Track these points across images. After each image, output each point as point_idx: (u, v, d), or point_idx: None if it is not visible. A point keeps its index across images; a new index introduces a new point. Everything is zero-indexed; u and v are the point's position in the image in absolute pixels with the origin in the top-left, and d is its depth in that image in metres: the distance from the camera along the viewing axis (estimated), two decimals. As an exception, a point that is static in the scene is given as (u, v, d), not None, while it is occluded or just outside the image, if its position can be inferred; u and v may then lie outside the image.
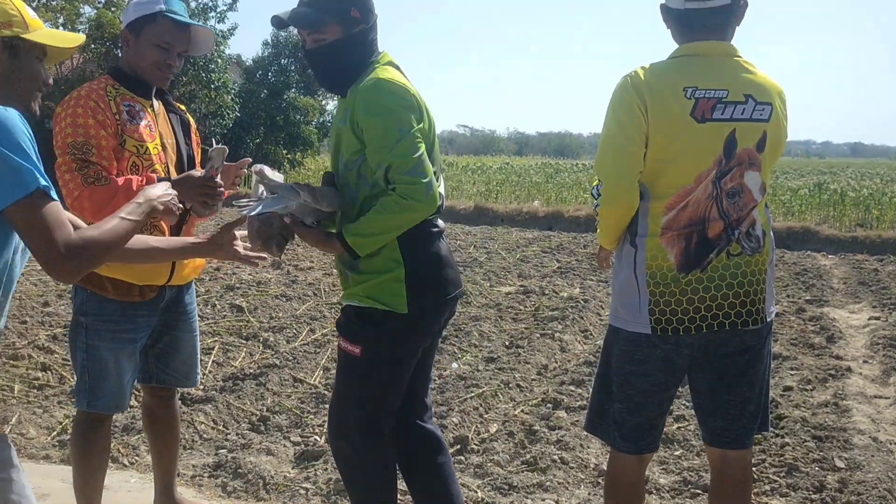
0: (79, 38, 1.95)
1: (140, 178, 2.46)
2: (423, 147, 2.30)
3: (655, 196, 2.27)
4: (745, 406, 2.41)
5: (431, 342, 2.61)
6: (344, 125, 2.39)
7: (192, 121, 2.88)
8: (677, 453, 3.95)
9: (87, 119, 2.48)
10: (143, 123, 2.59)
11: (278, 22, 2.45)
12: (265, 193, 2.37)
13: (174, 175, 2.64)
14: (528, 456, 3.83)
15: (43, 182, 1.61)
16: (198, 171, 2.59)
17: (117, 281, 2.58)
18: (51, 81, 1.90)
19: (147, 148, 2.58)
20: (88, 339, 2.62)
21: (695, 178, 2.23)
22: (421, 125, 2.33)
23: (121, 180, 2.44)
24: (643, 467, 2.51)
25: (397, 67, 2.47)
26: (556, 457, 3.79)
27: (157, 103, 2.72)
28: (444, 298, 2.47)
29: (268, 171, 2.39)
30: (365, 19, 2.43)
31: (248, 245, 2.45)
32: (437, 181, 2.36)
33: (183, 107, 2.88)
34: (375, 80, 2.34)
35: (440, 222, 2.51)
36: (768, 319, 2.37)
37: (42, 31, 1.84)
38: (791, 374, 5.29)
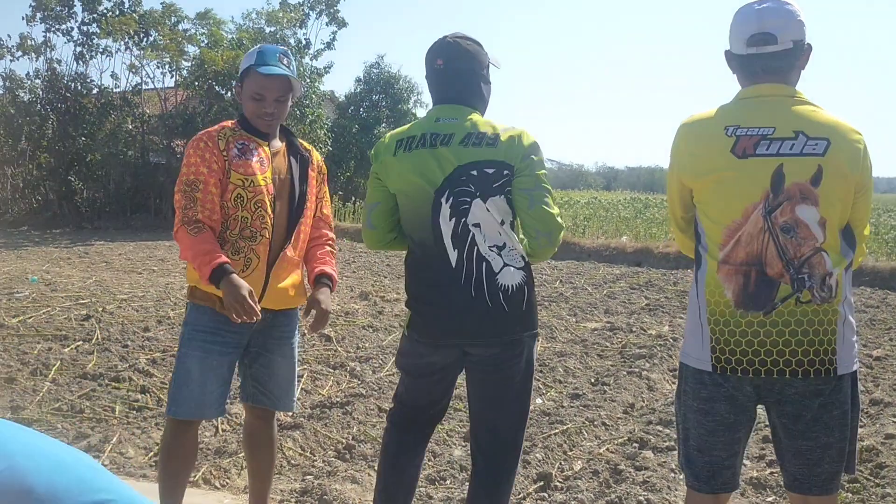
0: None
1: (217, 256, 2.70)
2: (369, 193, 2.79)
3: (709, 232, 2.30)
4: (825, 451, 2.31)
5: (477, 377, 2.74)
6: None
7: (315, 157, 3.06)
8: (769, 499, 3.81)
9: (196, 158, 2.81)
10: (254, 159, 2.84)
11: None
12: None
13: (275, 207, 2.87)
14: (612, 496, 3.76)
15: None
16: (244, 288, 2.66)
17: (211, 294, 2.79)
18: None
19: (253, 181, 2.81)
20: (181, 348, 2.88)
21: (742, 212, 2.24)
22: (372, 176, 2.79)
23: (204, 240, 2.73)
24: None
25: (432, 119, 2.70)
26: (641, 498, 3.71)
27: (279, 143, 2.95)
28: (425, 339, 2.72)
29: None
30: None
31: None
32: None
33: (308, 146, 3.07)
34: None
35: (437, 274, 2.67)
36: (840, 373, 2.26)
37: None
38: (893, 422, 5.03)
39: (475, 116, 2.66)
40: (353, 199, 21.37)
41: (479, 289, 2.59)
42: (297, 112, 20.40)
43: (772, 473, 4.05)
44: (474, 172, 2.58)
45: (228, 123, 2.93)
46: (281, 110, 2.87)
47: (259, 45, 2.97)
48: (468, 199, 2.58)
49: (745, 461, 2.57)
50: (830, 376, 2.25)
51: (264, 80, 2.80)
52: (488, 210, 2.59)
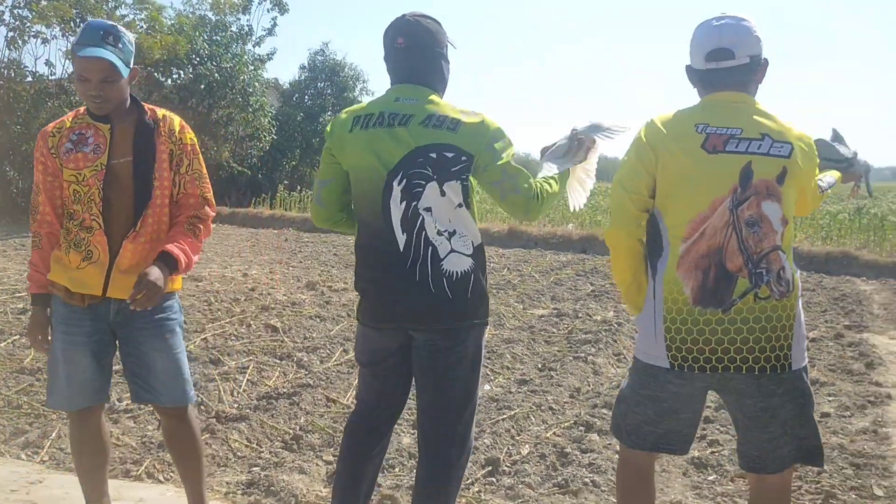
0: None
1: (36, 280, 2.85)
2: (322, 169, 2.77)
3: (672, 226, 2.33)
4: (781, 440, 2.38)
5: (423, 365, 2.71)
6: None
7: (173, 129, 2.83)
8: (711, 478, 3.90)
9: (36, 162, 2.82)
10: (88, 149, 2.75)
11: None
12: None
13: (109, 197, 2.77)
14: (559, 478, 3.82)
15: None
16: (33, 326, 2.87)
17: (60, 285, 2.79)
18: None
19: (83, 175, 2.74)
20: (52, 340, 2.85)
21: (709, 205, 2.28)
22: (324, 152, 2.75)
23: (37, 257, 2.84)
24: (652, 462, 2.57)
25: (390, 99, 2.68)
26: (587, 479, 3.77)
27: (127, 122, 2.79)
28: (370, 323, 2.73)
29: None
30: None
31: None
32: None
33: (168, 115, 2.87)
34: None
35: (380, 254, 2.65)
36: (794, 367, 2.34)
37: None
38: (829, 401, 5.20)
39: (436, 98, 2.64)
40: (299, 188, 21.16)
41: (423, 273, 2.56)
42: (241, 100, 20.08)
43: (712, 453, 4.16)
44: (433, 155, 2.55)
45: (81, 110, 2.83)
46: (109, 91, 2.69)
47: (87, 21, 2.82)
48: (422, 182, 2.55)
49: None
50: (786, 371, 2.32)
51: (82, 62, 2.66)
52: (444, 194, 2.56)
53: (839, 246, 13.70)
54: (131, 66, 2.77)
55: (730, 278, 2.27)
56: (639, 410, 2.46)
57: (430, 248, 2.57)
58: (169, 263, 2.72)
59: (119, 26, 2.73)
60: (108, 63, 2.65)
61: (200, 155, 2.92)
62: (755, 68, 2.36)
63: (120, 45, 2.69)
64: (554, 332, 7.15)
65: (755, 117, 2.32)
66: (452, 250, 2.59)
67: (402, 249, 2.58)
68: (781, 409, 2.35)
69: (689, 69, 2.44)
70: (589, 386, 5.52)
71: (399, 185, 2.55)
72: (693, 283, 2.28)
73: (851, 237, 14.65)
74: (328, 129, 2.74)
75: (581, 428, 4.56)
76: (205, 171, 2.92)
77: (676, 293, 2.31)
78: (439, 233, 2.57)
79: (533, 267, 11.74)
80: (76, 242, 2.75)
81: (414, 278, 2.57)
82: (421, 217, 2.56)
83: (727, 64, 2.32)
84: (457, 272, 2.59)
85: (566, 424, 4.64)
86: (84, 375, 2.82)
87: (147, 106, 2.85)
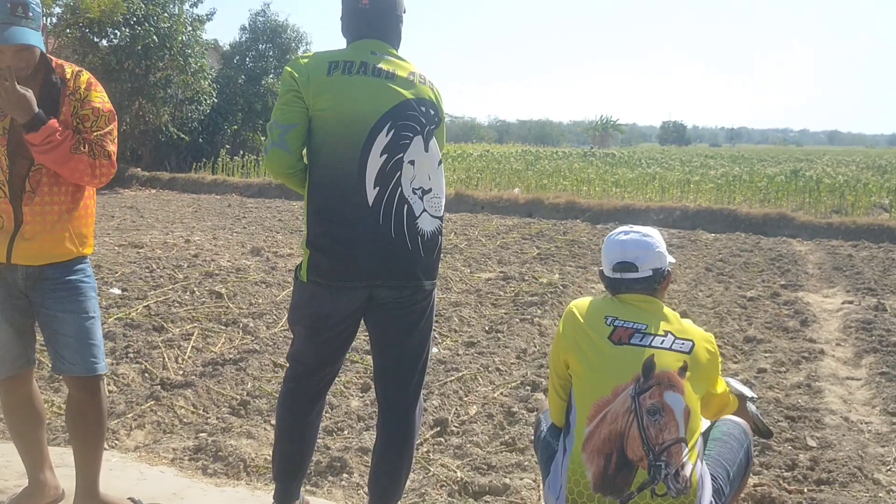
0: None
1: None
2: (284, 114, 2.56)
3: (579, 405, 2.39)
4: None
5: (379, 328, 2.71)
6: None
7: (78, 81, 2.70)
8: None
9: None
10: None
11: None
12: None
13: (13, 160, 2.63)
14: (506, 437, 3.88)
15: None
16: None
17: None
18: None
19: None
20: None
21: (612, 390, 2.34)
22: (289, 95, 2.57)
23: None
24: None
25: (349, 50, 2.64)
26: (534, 437, 3.84)
27: (33, 81, 2.62)
28: (331, 282, 2.60)
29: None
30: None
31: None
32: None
33: (72, 68, 2.72)
34: None
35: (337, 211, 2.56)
36: None
37: None
38: (765, 357, 5.38)
39: (403, 57, 2.66)
40: (242, 152, 20.79)
41: (400, 230, 2.54)
42: (180, 62, 19.52)
43: None
44: (423, 108, 2.57)
45: None
46: (23, 57, 2.53)
47: None
48: (410, 135, 2.53)
49: None
50: None
51: None
52: (427, 149, 2.57)
53: (776, 208, 14.08)
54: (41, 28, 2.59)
55: (630, 467, 2.29)
56: None
57: (406, 205, 2.55)
58: (42, 118, 2.53)
59: None
60: (26, 45, 2.50)
61: (110, 114, 2.75)
62: (659, 279, 2.52)
63: (31, 14, 2.51)
64: (501, 295, 7.21)
65: (660, 317, 2.46)
66: (425, 210, 2.59)
67: (370, 204, 2.51)
68: None
69: (601, 273, 2.62)
70: (535, 347, 5.60)
71: (388, 134, 2.51)
72: (595, 468, 2.32)
73: (788, 199, 15.08)
74: (291, 72, 2.58)
75: (527, 387, 4.63)
76: (113, 130, 2.75)
77: (580, 475, 2.34)
78: (414, 191, 2.56)
79: (479, 231, 11.80)
80: None
81: (389, 234, 2.53)
82: (400, 172, 2.52)
83: (631, 276, 2.51)
84: (428, 231, 2.61)
85: (513, 384, 4.70)
86: (0, 344, 2.75)
87: (56, 62, 2.69)
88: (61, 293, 2.74)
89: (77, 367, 2.75)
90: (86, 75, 2.73)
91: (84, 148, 2.63)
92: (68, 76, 2.68)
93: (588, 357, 2.41)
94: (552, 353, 2.58)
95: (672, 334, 2.40)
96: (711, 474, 2.41)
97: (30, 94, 2.50)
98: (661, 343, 2.38)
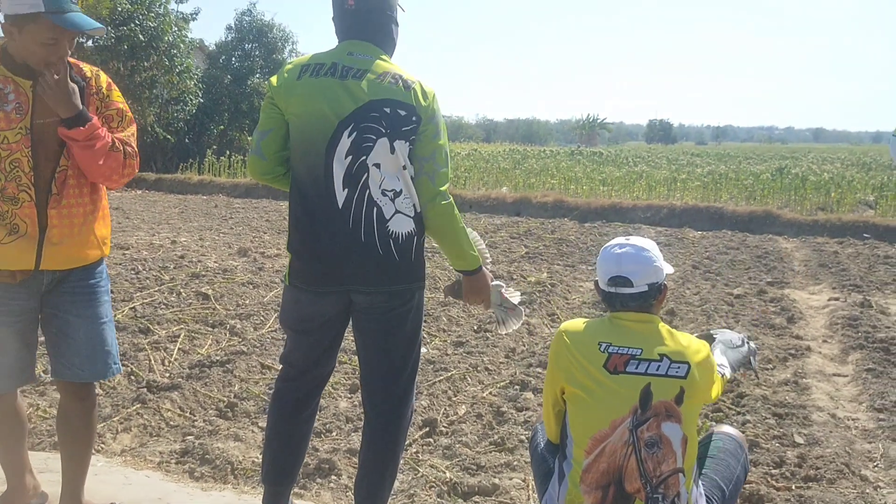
0: None
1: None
2: (262, 120, 2.64)
3: (576, 436, 2.37)
4: None
5: (363, 329, 2.69)
6: None
7: (99, 81, 2.66)
8: None
9: None
10: (9, 108, 2.48)
11: None
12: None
13: (37, 162, 2.53)
14: (495, 437, 3.88)
15: None
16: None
17: None
18: None
19: (6, 136, 2.47)
20: None
21: (610, 424, 2.31)
22: (266, 101, 2.65)
23: None
24: None
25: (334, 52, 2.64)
26: (523, 436, 3.84)
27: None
28: (308, 286, 2.63)
29: (505, 291, 2.98)
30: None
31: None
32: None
33: (90, 68, 2.67)
34: None
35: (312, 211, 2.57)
36: None
37: None
38: (753, 354, 5.39)
39: (387, 58, 2.62)
40: (228, 153, 20.70)
41: (370, 234, 2.52)
42: (166, 62, 19.42)
43: None
44: (387, 110, 2.51)
45: None
46: (72, 46, 2.52)
47: None
48: (374, 137, 2.50)
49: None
50: None
51: (62, 29, 2.42)
52: (393, 151, 2.52)
53: (762, 205, 14.15)
54: None
55: (627, 499, 2.29)
56: None
57: (375, 208, 2.52)
58: (86, 113, 2.52)
59: None
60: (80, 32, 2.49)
61: (131, 117, 2.74)
62: (655, 294, 2.46)
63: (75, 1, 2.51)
64: (489, 294, 7.19)
65: (655, 339, 2.40)
66: (397, 211, 2.56)
67: (340, 207, 2.51)
68: None
69: (596, 286, 2.56)
70: (524, 346, 5.59)
71: (350, 136, 2.49)
72: (593, 499, 2.32)
73: (774, 197, 15.15)
74: (272, 80, 2.62)
75: (516, 387, 4.62)
76: (135, 132, 2.75)
77: None
78: (384, 192, 2.53)
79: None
80: None
81: (359, 238, 2.52)
82: (367, 174, 2.51)
83: (626, 291, 2.43)
84: (402, 233, 2.57)
85: (502, 384, 4.70)
86: (8, 358, 2.65)
87: (72, 60, 2.60)
88: (79, 297, 2.68)
89: (84, 373, 2.70)
90: (104, 75, 2.71)
91: (119, 146, 2.62)
92: (88, 75, 2.65)
93: (585, 387, 2.36)
94: (547, 378, 2.53)
95: (668, 358, 2.35)
96: (707, 496, 2.42)
97: (76, 88, 2.47)
98: (658, 369, 2.34)
